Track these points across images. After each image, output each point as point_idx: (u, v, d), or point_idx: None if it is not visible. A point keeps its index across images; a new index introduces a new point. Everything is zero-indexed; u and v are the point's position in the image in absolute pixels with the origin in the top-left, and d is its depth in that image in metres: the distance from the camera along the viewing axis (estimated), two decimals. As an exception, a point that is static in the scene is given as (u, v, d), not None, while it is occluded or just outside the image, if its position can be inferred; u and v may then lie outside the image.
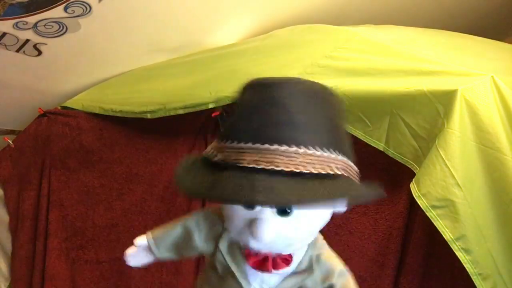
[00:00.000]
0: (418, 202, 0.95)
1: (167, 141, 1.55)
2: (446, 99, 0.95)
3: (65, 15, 1.30)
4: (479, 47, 1.41)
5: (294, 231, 0.69)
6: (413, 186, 0.97)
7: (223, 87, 1.32)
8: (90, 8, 1.30)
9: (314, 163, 0.62)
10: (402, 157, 1.06)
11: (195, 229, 0.81)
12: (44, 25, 1.33)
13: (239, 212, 0.69)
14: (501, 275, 0.93)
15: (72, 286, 1.63)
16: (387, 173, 1.15)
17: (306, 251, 0.78)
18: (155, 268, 1.54)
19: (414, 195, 0.96)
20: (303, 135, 0.63)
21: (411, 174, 1.01)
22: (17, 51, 1.43)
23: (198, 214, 0.82)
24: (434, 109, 0.97)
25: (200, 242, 0.81)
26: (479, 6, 2.08)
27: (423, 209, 0.94)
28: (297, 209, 0.67)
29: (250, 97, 0.68)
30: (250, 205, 0.67)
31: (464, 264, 0.91)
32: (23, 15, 1.26)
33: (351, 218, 1.21)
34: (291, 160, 0.61)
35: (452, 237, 0.91)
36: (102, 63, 1.64)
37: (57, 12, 1.28)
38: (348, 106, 1.09)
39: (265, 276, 0.76)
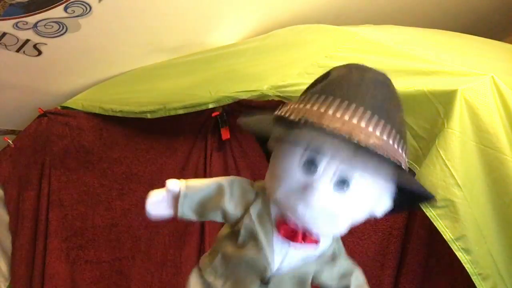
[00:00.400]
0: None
1: (167, 141, 1.55)
2: (446, 99, 0.95)
3: (65, 15, 1.30)
4: (479, 47, 1.41)
5: (342, 210, 0.69)
6: (413, 186, 0.97)
7: (223, 87, 1.32)
8: (90, 8, 1.30)
9: (387, 150, 0.64)
10: (402, 157, 1.05)
11: (227, 189, 0.78)
12: (44, 25, 1.33)
13: (296, 175, 0.68)
14: (501, 275, 0.93)
15: (72, 286, 1.63)
16: (387, 173, 1.15)
17: (330, 244, 0.79)
18: (155, 268, 1.54)
19: (414, 195, 0.96)
20: (387, 123, 0.66)
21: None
22: (17, 51, 1.43)
23: (233, 178, 0.81)
24: (434, 109, 0.97)
25: (229, 203, 0.78)
26: (479, 6, 2.08)
27: (423, 209, 0.94)
28: (356, 185, 0.67)
29: (342, 74, 0.72)
30: (313, 167, 0.67)
31: (464, 264, 0.91)
32: (23, 15, 1.27)
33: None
34: (369, 138, 0.63)
35: (452, 237, 0.91)
36: (102, 63, 1.64)
37: (57, 12, 1.28)
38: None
39: (291, 250, 0.75)
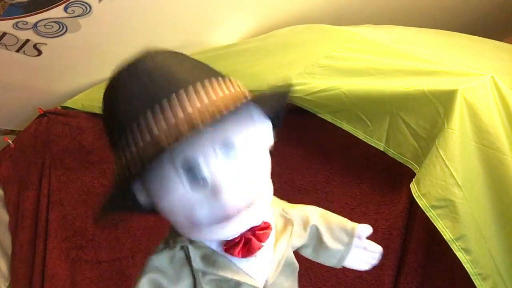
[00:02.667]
0: (418, 202, 0.95)
1: (167, 141, 1.55)
2: (446, 99, 0.95)
3: (65, 15, 1.30)
4: (479, 47, 1.41)
5: (248, 175, 0.61)
6: (413, 186, 0.97)
7: (223, 87, 1.31)
8: (90, 8, 1.30)
9: (220, 97, 0.59)
10: (402, 157, 1.05)
11: (158, 276, 0.67)
12: (44, 25, 1.33)
13: (185, 197, 0.59)
14: (501, 275, 0.93)
15: (72, 286, 1.63)
16: (387, 173, 1.15)
17: (273, 212, 0.73)
18: (155, 268, 1.54)
19: (414, 195, 0.96)
20: (189, 78, 0.60)
21: (411, 174, 1.01)
22: (17, 51, 1.43)
23: (151, 259, 0.69)
24: (434, 109, 0.97)
25: (173, 285, 0.67)
26: (479, 6, 2.08)
27: (423, 209, 0.94)
28: (236, 142, 0.60)
29: (118, 89, 0.61)
30: (197, 175, 0.58)
31: (464, 264, 0.91)
32: (23, 15, 1.27)
33: (351, 218, 1.21)
34: (202, 107, 0.57)
35: (452, 237, 0.91)
36: (102, 63, 1.63)
37: (57, 12, 1.28)
38: (348, 106, 1.09)
39: (260, 258, 0.68)
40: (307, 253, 0.84)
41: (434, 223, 0.92)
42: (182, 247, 0.68)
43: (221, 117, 0.56)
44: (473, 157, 0.93)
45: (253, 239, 0.65)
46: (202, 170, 0.58)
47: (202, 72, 0.64)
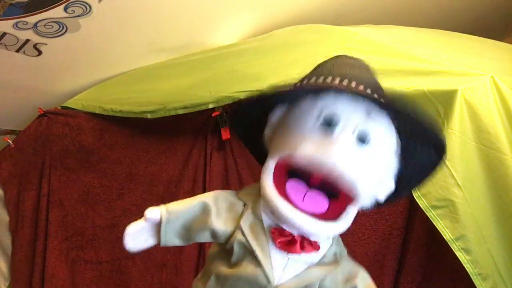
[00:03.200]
0: (418, 202, 0.95)
1: (167, 141, 1.55)
2: (446, 99, 0.95)
3: (65, 15, 1.30)
4: (479, 47, 1.41)
5: (363, 167, 0.69)
6: (413, 186, 0.97)
7: (223, 87, 1.32)
8: (90, 8, 1.30)
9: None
10: (402, 157, 1.05)
11: (212, 206, 0.75)
12: (44, 25, 1.33)
13: (313, 135, 0.69)
14: (501, 275, 0.93)
15: (72, 286, 1.63)
16: (387, 173, 1.15)
17: (331, 245, 0.76)
18: (155, 268, 1.54)
19: (414, 195, 0.96)
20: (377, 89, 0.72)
21: (411, 174, 1.01)
22: (17, 51, 1.43)
23: (217, 193, 0.78)
24: (434, 109, 0.97)
25: (217, 221, 0.74)
26: (479, 6, 2.08)
27: (423, 209, 0.94)
28: (374, 140, 0.70)
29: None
30: (332, 126, 0.69)
31: (464, 264, 0.91)
32: (23, 15, 1.27)
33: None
34: (371, 90, 0.70)
35: (452, 237, 0.91)
36: (102, 63, 1.64)
37: (57, 12, 1.28)
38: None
39: (290, 260, 0.71)
40: None
41: (434, 223, 0.92)
42: (244, 204, 0.76)
43: (378, 98, 0.69)
44: (473, 157, 0.93)
45: (298, 242, 0.70)
46: (338, 122, 0.69)
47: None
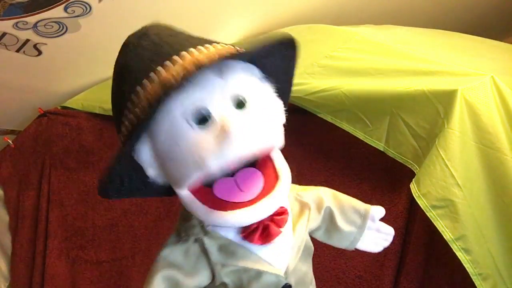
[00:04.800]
0: (418, 202, 0.95)
1: (167, 141, 1.55)
2: (446, 99, 0.95)
3: (65, 15, 1.30)
4: (479, 47, 1.41)
5: (257, 123, 0.60)
6: (413, 186, 0.97)
7: (223, 87, 1.31)
8: (90, 8, 1.30)
9: (225, 49, 0.63)
10: (402, 157, 1.05)
11: (174, 273, 0.64)
12: (44, 25, 1.33)
13: (193, 140, 0.58)
14: (501, 275, 0.93)
15: (72, 286, 1.63)
16: (387, 173, 1.15)
17: (289, 197, 0.73)
18: (155, 268, 1.54)
19: (414, 195, 0.96)
20: (197, 41, 0.63)
21: (411, 174, 1.01)
22: (17, 51, 1.43)
23: (163, 253, 0.67)
24: (434, 109, 0.97)
25: (190, 279, 0.65)
26: (479, 6, 2.08)
27: (423, 209, 0.94)
28: (250, 100, 0.61)
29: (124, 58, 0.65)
30: (205, 119, 0.58)
31: (464, 264, 0.91)
32: (23, 15, 1.27)
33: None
34: (210, 53, 0.60)
35: (452, 237, 0.91)
36: (102, 63, 1.63)
37: (57, 12, 1.28)
38: (348, 106, 1.09)
39: (278, 246, 0.66)
40: (319, 235, 0.82)
41: (434, 223, 0.92)
42: (196, 240, 0.65)
43: (225, 58, 0.59)
44: (473, 157, 0.93)
45: (271, 224, 0.64)
46: (210, 111, 0.58)
47: (204, 39, 0.66)
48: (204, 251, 0.65)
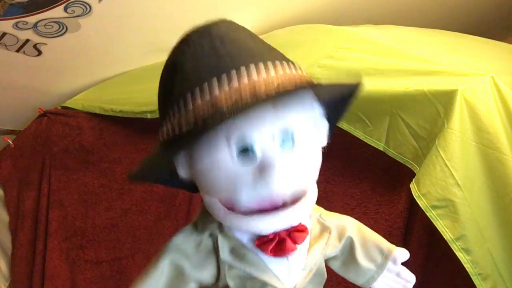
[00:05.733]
0: (418, 202, 0.95)
1: (167, 141, 1.55)
2: (446, 99, 0.95)
3: (65, 15, 1.30)
4: (479, 47, 1.41)
5: (299, 167, 0.59)
6: (413, 186, 0.97)
7: (223, 87, 1.31)
8: (90, 8, 1.30)
9: (288, 79, 0.57)
10: (402, 157, 1.05)
11: (181, 260, 0.63)
12: (44, 25, 1.33)
13: (231, 169, 0.56)
14: (501, 275, 0.93)
15: (72, 286, 1.63)
16: (387, 173, 1.15)
17: (312, 219, 0.71)
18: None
19: (414, 195, 0.96)
20: (259, 55, 0.58)
21: (411, 174, 1.01)
22: (17, 51, 1.43)
23: (175, 242, 0.65)
24: (434, 109, 0.97)
25: (196, 271, 0.63)
26: (479, 6, 2.08)
27: (423, 209, 0.94)
28: (297, 132, 0.58)
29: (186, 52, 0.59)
30: (249, 152, 0.56)
31: (464, 264, 0.91)
32: (23, 15, 1.26)
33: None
34: (270, 84, 0.54)
35: (452, 237, 0.91)
36: (102, 63, 1.64)
37: (57, 12, 1.28)
38: (348, 106, 1.09)
39: (290, 263, 0.64)
40: (335, 266, 0.79)
41: (434, 223, 0.92)
42: (211, 235, 0.64)
43: (285, 93, 0.55)
44: (473, 157, 0.93)
45: (288, 239, 0.62)
46: (253, 145, 0.56)
47: (272, 51, 0.62)
48: (216, 248, 0.63)
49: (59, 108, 1.71)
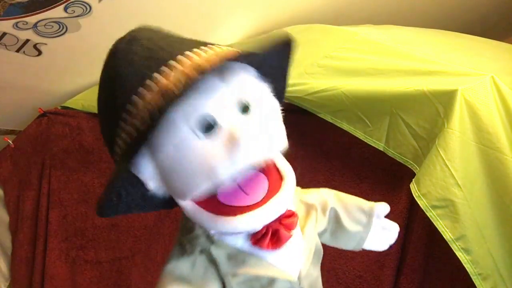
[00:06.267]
0: (418, 202, 0.95)
1: (167, 141, 1.55)
2: (446, 99, 0.95)
3: (65, 15, 1.30)
4: (479, 47, 1.41)
5: (263, 128, 0.58)
6: (413, 186, 0.97)
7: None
8: (90, 8, 1.30)
9: (226, 52, 0.58)
10: (402, 157, 1.05)
11: (183, 286, 0.60)
12: (44, 25, 1.33)
13: (200, 148, 0.55)
14: (501, 275, 0.93)
15: (72, 286, 1.63)
16: (387, 173, 1.15)
17: (294, 201, 0.71)
18: (155, 268, 1.54)
19: (414, 195, 0.96)
20: (192, 43, 0.58)
21: (411, 174, 1.01)
22: (17, 51, 1.43)
23: (169, 267, 0.63)
24: (434, 109, 0.97)
25: None
26: (479, 6, 2.08)
27: (423, 209, 0.94)
28: (252, 101, 0.59)
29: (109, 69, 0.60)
30: (210, 126, 0.55)
31: (464, 264, 0.91)
32: (23, 15, 1.27)
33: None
34: (211, 57, 0.56)
35: (452, 237, 0.91)
36: (102, 63, 1.63)
37: (57, 12, 1.28)
38: (348, 106, 1.09)
39: (289, 250, 0.64)
40: (325, 239, 0.80)
41: (434, 223, 0.92)
42: (202, 251, 0.62)
43: (227, 62, 0.55)
44: (473, 157, 0.93)
45: (281, 228, 0.61)
46: (215, 118, 0.55)
47: (197, 40, 0.62)
48: (212, 262, 0.61)
49: (59, 108, 1.71)
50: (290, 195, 0.62)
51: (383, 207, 0.81)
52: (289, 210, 0.64)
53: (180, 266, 0.61)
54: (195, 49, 0.57)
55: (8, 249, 1.76)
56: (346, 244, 0.82)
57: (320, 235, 0.78)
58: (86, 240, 1.63)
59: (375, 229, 0.81)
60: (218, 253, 0.61)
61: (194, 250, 0.62)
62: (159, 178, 0.59)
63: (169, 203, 0.63)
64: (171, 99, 0.52)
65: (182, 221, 0.66)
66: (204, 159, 0.55)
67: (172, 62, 0.55)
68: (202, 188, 0.57)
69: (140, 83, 0.55)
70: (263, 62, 0.63)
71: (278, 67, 0.69)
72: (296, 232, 0.65)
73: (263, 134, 0.57)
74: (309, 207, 0.73)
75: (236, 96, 0.58)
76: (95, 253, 1.62)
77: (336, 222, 0.79)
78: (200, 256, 0.62)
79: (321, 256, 0.74)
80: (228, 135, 0.55)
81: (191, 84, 0.53)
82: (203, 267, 0.61)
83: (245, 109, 0.58)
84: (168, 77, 0.54)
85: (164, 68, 0.55)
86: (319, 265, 0.74)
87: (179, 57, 0.55)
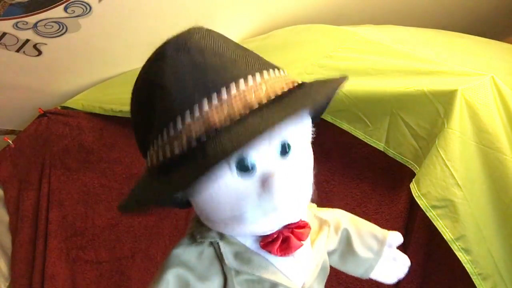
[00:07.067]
0: (418, 202, 0.95)
1: (167, 141, 1.55)
2: (446, 99, 0.95)
3: (65, 15, 1.30)
4: (479, 47, 1.41)
5: (298, 172, 0.58)
6: (413, 186, 0.97)
7: (223, 87, 1.31)
8: (90, 8, 1.29)
9: (275, 84, 0.56)
10: (402, 157, 1.05)
11: (185, 272, 0.60)
12: (44, 25, 1.33)
13: (232, 186, 0.54)
14: (501, 275, 0.93)
15: (72, 286, 1.63)
16: (387, 173, 1.15)
17: (309, 215, 0.71)
18: (155, 268, 1.54)
19: (414, 195, 0.96)
20: (245, 67, 0.56)
21: (411, 174, 1.01)
22: (17, 51, 1.43)
23: (177, 251, 0.62)
24: (434, 109, 0.97)
25: (201, 283, 0.60)
26: (479, 6, 2.08)
27: (423, 209, 0.94)
28: (292, 142, 0.57)
29: (159, 70, 0.57)
30: (244, 166, 0.54)
31: (464, 264, 0.91)
32: (23, 15, 1.26)
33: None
34: (259, 91, 0.53)
35: (452, 237, 0.91)
36: (102, 63, 1.64)
37: (57, 12, 1.28)
38: (348, 106, 1.09)
39: (297, 260, 0.64)
40: (333, 260, 0.79)
41: (434, 223, 0.92)
42: (211, 243, 0.62)
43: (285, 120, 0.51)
44: (473, 157, 0.93)
45: (292, 237, 0.61)
46: (254, 161, 0.54)
47: (253, 57, 0.60)
48: (219, 256, 0.61)
49: (59, 108, 1.71)
50: (303, 203, 0.62)
51: (396, 237, 0.79)
52: (303, 221, 0.64)
53: (188, 252, 0.62)
54: (249, 76, 0.54)
55: (8, 249, 1.76)
56: (355, 270, 0.80)
57: (330, 254, 0.77)
58: (86, 240, 1.63)
59: (386, 258, 0.79)
60: (226, 248, 0.61)
61: (204, 241, 0.62)
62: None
63: (186, 204, 0.63)
64: (213, 134, 0.50)
65: (195, 215, 0.65)
66: (234, 198, 0.55)
67: (222, 90, 0.52)
68: (227, 220, 0.57)
69: (186, 107, 0.52)
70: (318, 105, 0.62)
71: (328, 102, 0.68)
72: (306, 244, 0.65)
73: (298, 181, 0.58)
74: (322, 223, 0.72)
75: (279, 137, 0.56)
76: (95, 253, 1.62)
77: (347, 244, 0.78)
78: (208, 248, 0.62)
79: (327, 274, 0.73)
80: (263, 179, 0.54)
81: (238, 122, 0.51)
82: (209, 259, 0.62)
83: (284, 151, 0.57)
84: (214, 108, 0.51)
85: (213, 95, 0.52)
86: (324, 283, 0.73)
87: (231, 85, 0.53)
